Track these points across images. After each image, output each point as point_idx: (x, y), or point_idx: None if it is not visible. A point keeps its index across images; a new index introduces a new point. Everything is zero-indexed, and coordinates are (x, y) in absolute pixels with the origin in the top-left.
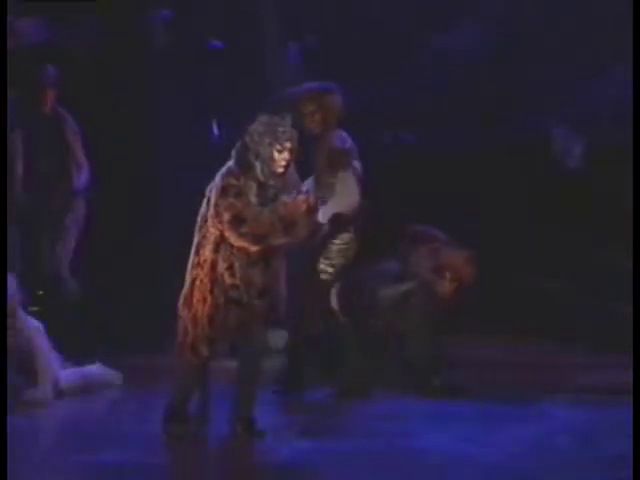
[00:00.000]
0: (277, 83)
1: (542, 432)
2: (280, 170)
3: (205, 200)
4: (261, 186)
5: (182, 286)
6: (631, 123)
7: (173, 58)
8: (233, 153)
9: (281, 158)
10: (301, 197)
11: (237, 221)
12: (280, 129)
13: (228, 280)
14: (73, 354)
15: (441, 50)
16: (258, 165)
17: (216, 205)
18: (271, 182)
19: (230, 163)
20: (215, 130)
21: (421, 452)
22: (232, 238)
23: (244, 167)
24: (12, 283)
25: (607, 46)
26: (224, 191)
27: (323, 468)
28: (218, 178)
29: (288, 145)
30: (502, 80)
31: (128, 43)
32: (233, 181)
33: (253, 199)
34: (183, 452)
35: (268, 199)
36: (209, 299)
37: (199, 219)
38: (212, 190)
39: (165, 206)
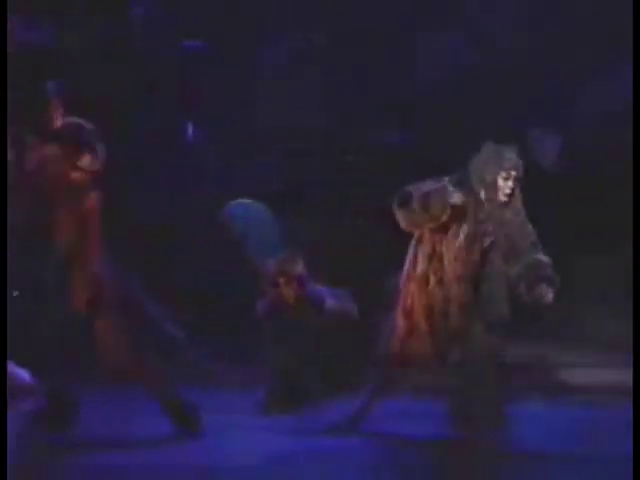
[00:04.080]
0: (254, 84)
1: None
2: (504, 199)
3: None
4: (479, 204)
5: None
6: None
7: (151, 57)
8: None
9: (505, 186)
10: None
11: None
12: (507, 157)
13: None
14: None
15: (421, 51)
16: (482, 189)
17: None
18: (492, 209)
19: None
20: (190, 130)
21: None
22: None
23: (465, 182)
24: None
25: (585, 47)
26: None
27: (306, 467)
28: None
29: (513, 173)
30: (478, 81)
31: (105, 42)
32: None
33: (470, 213)
34: None
35: (484, 219)
36: None
37: None
38: None
39: (135, 205)
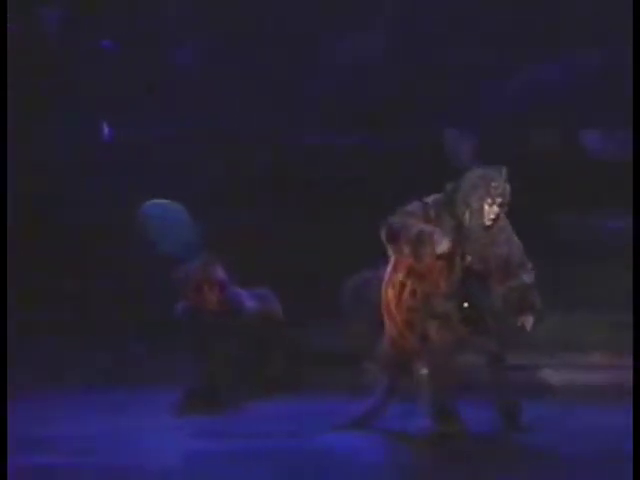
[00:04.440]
0: (163, 84)
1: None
2: (488, 223)
3: None
4: (461, 226)
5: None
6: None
7: (65, 57)
8: (445, 189)
9: (491, 211)
10: (445, 242)
11: (399, 211)
12: (493, 184)
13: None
14: None
15: (331, 51)
16: (467, 213)
17: None
18: (476, 232)
19: (438, 195)
20: (105, 130)
21: (312, 452)
22: None
23: (449, 204)
24: None
25: (500, 48)
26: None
27: (214, 470)
28: None
29: (499, 200)
30: (393, 82)
31: (20, 41)
32: (430, 202)
33: (447, 233)
34: None
35: (465, 241)
36: None
37: None
38: None
39: (55, 206)
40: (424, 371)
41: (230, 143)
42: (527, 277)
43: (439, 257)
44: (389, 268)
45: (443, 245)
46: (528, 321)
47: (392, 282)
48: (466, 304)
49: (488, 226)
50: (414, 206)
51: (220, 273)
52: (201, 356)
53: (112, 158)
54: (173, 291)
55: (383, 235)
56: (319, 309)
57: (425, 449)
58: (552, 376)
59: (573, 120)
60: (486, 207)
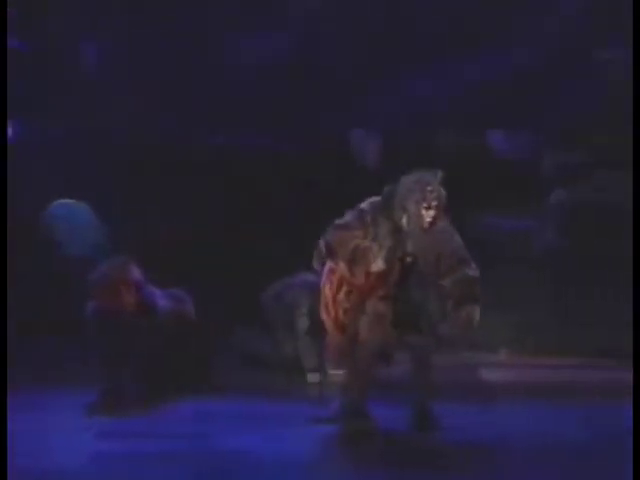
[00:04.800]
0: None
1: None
2: (426, 226)
3: None
4: (398, 230)
5: None
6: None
7: None
8: (383, 193)
9: (427, 215)
10: (379, 262)
11: (334, 227)
12: (429, 188)
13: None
14: None
15: (235, 52)
16: (404, 217)
17: None
18: (413, 235)
19: (374, 199)
20: (9, 131)
21: (226, 453)
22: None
23: (386, 209)
24: None
25: (405, 48)
26: (352, 210)
27: (119, 471)
28: None
29: (435, 203)
30: (299, 82)
31: None
32: (365, 207)
33: (385, 236)
34: None
35: (402, 243)
36: None
37: None
38: None
39: None
40: (336, 371)
41: (136, 143)
42: (471, 271)
43: (375, 273)
44: (327, 266)
45: (378, 264)
46: (474, 311)
47: (330, 280)
48: (402, 306)
49: (426, 228)
50: (349, 217)
51: (136, 274)
52: (112, 357)
53: (17, 158)
54: (83, 292)
55: (322, 250)
56: (239, 312)
57: (336, 448)
58: (460, 375)
59: (478, 120)
60: (423, 211)
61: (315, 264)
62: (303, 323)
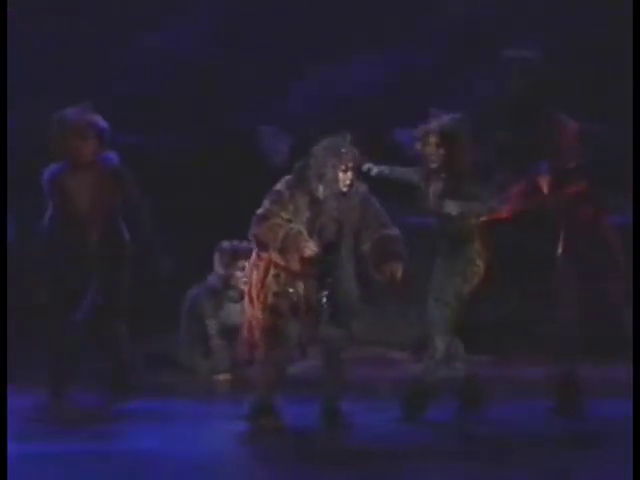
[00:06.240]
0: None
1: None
2: (345, 189)
3: None
4: (315, 201)
5: None
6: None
7: None
8: (294, 169)
9: (345, 178)
10: (311, 246)
11: (257, 219)
12: (343, 150)
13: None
14: None
15: (150, 49)
16: (321, 186)
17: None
18: (332, 201)
19: (288, 177)
20: None
21: (127, 453)
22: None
23: (301, 182)
24: None
25: (317, 47)
26: (268, 194)
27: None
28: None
29: (351, 165)
30: (209, 79)
31: None
32: (280, 187)
33: (305, 211)
34: None
35: (320, 214)
36: None
37: None
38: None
39: None
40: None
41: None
42: (391, 231)
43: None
44: (254, 253)
45: (310, 247)
46: (397, 269)
47: (256, 265)
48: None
49: (344, 193)
50: (267, 203)
51: (100, 121)
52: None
53: None
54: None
55: (254, 246)
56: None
57: (244, 446)
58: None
59: (385, 119)
60: (340, 174)
61: (218, 268)
62: (212, 327)
